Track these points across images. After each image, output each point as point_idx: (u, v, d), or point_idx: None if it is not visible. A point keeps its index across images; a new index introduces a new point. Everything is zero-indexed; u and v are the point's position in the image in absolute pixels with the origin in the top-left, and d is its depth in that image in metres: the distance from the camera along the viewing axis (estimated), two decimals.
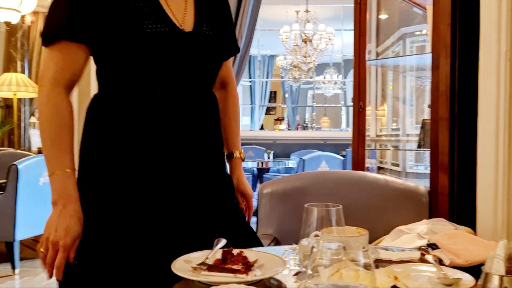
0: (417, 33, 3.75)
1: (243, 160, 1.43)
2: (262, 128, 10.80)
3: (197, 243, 1.11)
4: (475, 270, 0.95)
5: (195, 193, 1.19)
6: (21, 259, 3.50)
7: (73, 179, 1.11)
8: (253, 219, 1.47)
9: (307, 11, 7.56)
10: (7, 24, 4.93)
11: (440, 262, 1.02)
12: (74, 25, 1.10)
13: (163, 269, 0.97)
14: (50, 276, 1.09)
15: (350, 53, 8.62)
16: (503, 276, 0.77)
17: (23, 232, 3.43)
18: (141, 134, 1.13)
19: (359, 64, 2.29)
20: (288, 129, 10.81)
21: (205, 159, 1.22)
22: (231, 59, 1.44)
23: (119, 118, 1.14)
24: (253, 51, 9.28)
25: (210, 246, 1.06)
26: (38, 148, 6.26)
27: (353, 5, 2.38)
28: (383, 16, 3.97)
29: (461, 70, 1.85)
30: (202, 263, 0.96)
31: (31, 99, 6.69)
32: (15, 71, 5.74)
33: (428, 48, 2.44)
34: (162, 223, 1.14)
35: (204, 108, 1.23)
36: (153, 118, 1.13)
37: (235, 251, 0.99)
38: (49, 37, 1.11)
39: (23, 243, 3.56)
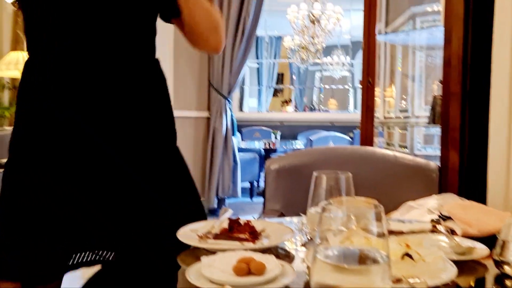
0: (428, 9, 3.67)
1: None
2: (269, 110, 10.74)
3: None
4: (488, 241, 0.93)
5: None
6: None
7: None
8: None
9: None
10: (14, 5, 4.89)
11: (452, 232, 0.99)
12: None
13: (167, 239, 0.95)
14: None
15: (358, 35, 8.49)
16: None
17: None
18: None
19: (368, 38, 2.24)
20: (295, 111, 10.74)
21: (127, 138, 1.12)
22: None
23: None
24: (260, 32, 9.15)
25: None
26: None
27: None
28: None
29: (474, 43, 1.81)
30: (208, 232, 0.94)
31: None
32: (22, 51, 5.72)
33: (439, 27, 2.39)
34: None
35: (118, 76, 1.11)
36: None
37: (242, 221, 0.97)
38: None
39: None
